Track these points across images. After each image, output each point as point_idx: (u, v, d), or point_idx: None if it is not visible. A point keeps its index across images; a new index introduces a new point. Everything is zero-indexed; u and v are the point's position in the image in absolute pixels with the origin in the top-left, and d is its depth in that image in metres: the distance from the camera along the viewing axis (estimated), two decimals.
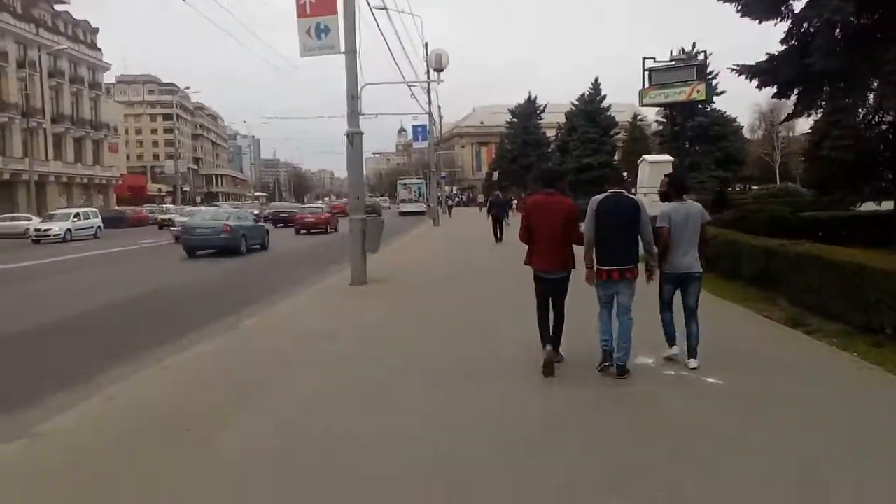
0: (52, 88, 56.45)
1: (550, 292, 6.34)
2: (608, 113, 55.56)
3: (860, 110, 10.52)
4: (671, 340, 6.47)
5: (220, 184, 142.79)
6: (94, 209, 40.00)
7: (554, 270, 6.26)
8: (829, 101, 11.39)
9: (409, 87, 36.19)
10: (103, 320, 10.38)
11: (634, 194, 8.81)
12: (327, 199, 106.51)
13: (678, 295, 6.40)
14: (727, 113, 47.03)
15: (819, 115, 13.06)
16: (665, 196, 6.50)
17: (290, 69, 33.56)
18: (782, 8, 11.98)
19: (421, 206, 55.74)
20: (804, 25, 11.79)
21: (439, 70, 14.00)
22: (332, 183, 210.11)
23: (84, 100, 61.51)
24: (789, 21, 12.10)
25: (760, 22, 12.30)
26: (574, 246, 6.25)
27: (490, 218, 24.14)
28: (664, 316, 6.45)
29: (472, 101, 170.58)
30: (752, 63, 12.74)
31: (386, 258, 16.34)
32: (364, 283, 12.61)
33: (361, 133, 12.82)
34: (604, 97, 55.22)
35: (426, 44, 36.87)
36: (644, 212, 6.02)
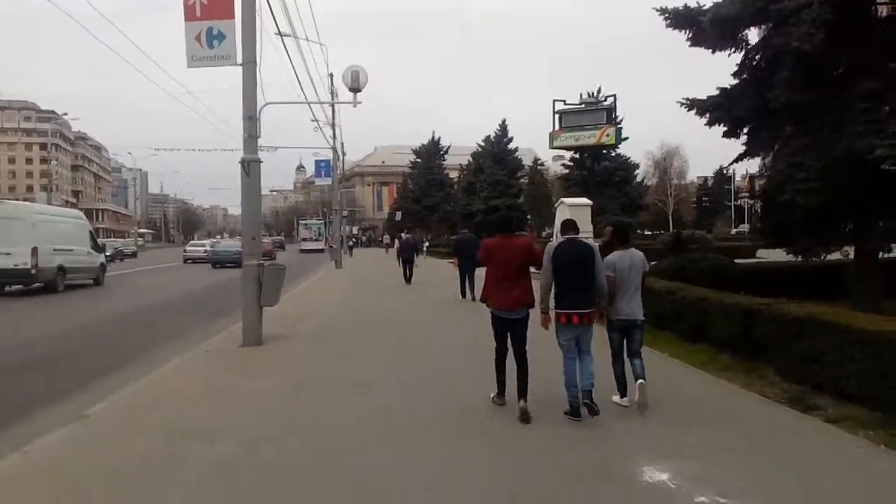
0: None
1: (509, 334, 6.28)
2: (515, 155, 55.39)
3: (830, 150, 9.31)
4: (623, 391, 6.50)
5: (101, 219, 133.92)
6: None
7: (513, 309, 6.19)
8: (792, 139, 10.27)
9: (314, 118, 34.13)
10: None
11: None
12: (219, 236, 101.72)
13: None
14: (630, 158, 47.71)
15: (769, 158, 12.04)
16: (608, 245, 6.74)
17: (182, 94, 30.69)
18: (738, 37, 10.97)
19: (321, 245, 63.02)
20: (759, 56, 10.82)
21: (356, 90, 11.96)
22: (226, 220, 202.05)
23: None
24: (742, 52, 11.13)
25: (714, 52, 11.23)
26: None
27: (400, 260, 23.47)
28: (616, 367, 6.53)
29: (372, 141, 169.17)
30: (704, 97, 11.62)
31: (286, 307, 13.90)
32: (259, 342, 10.28)
33: (259, 161, 10.61)
34: (511, 139, 55.12)
35: (331, 74, 35.07)
36: (598, 256, 6.13)
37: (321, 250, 59.00)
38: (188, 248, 47.54)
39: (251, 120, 10.47)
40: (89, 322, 14.32)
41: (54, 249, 20.37)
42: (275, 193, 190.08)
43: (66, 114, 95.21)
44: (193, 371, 8.70)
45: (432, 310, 15.79)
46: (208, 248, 42.88)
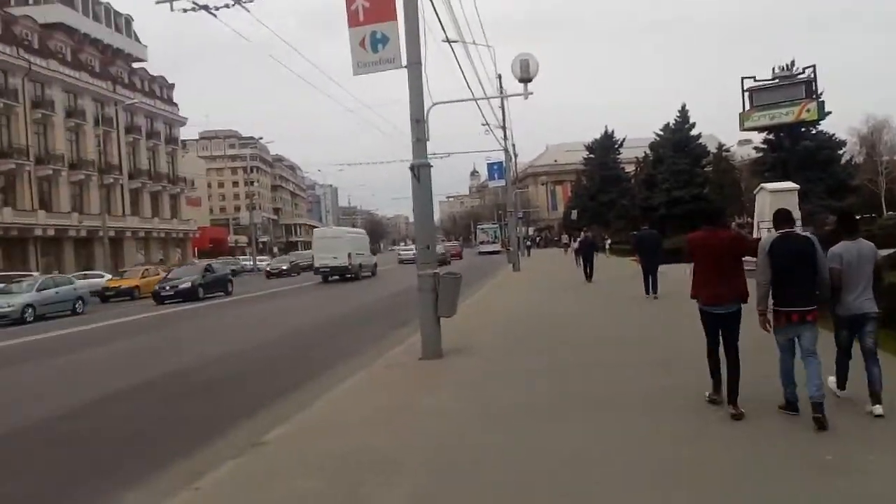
0: (129, 144, 57.17)
1: (721, 330, 5.97)
2: (699, 142, 51.58)
3: None
4: (843, 384, 6.08)
5: (298, 233, 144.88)
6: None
7: (725, 303, 5.89)
8: None
9: (484, 122, 33.84)
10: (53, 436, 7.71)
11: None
12: (402, 243, 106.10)
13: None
14: (835, 135, 42.33)
15: None
16: (833, 235, 6.33)
17: (361, 109, 31.84)
18: None
19: (497, 247, 68.46)
20: None
21: (526, 80, 11.20)
22: (408, 228, 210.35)
23: (160, 154, 62.22)
24: None
25: None
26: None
27: (580, 258, 24.70)
28: (842, 363, 6.01)
29: (542, 141, 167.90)
30: None
31: (466, 315, 13.38)
32: (439, 355, 9.77)
33: (429, 165, 10.13)
34: (692, 125, 51.35)
35: (500, 75, 34.60)
36: (819, 249, 5.71)
37: (498, 252, 64.65)
38: (401, 251, 61.34)
39: (419, 123, 10.02)
40: (305, 325, 15.13)
41: (357, 254, 35.69)
42: (451, 199, 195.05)
43: (261, 138, 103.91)
44: (372, 388, 8.33)
45: (618, 310, 14.75)
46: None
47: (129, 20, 63.23)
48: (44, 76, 46.95)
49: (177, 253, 63.77)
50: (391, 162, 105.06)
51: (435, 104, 11.25)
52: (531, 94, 12.06)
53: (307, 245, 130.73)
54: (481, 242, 76.39)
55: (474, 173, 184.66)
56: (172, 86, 65.78)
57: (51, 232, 45.80)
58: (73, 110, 49.94)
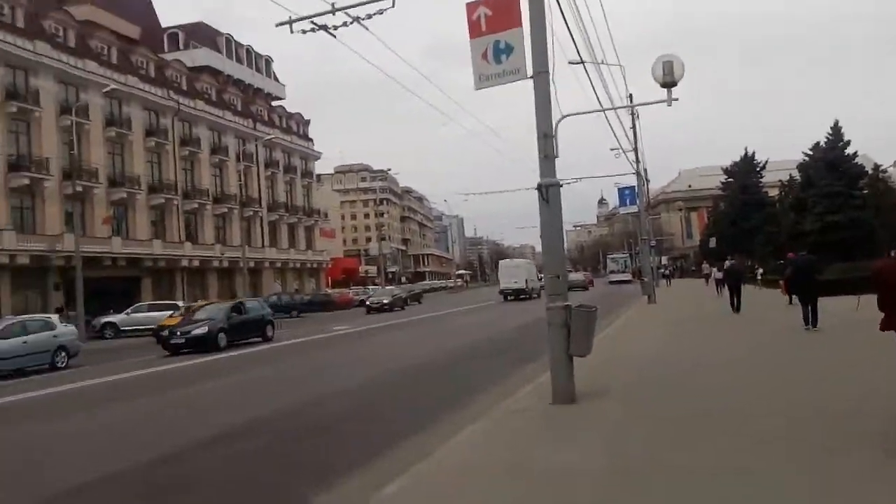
0: (268, 178, 60.04)
1: None
2: (855, 161, 46.90)
3: None
4: None
5: (426, 263, 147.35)
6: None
7: None
8: None
9: (616, 147, 32.22)
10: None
11: None
12: None
13: None
14: None
15: None
16: None
17: (483, 132, 31.20)
18: None
19: (627, 276, 68.95)
20: None
21: (670, 84, 9.85)
22: (534, 257, 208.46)
23: (297, 188, 64.92)
24: None
25: None
26: None
27: (723, 288, 23.93)
28: None
29: (672, 167, 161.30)
30: None
31: (599, 353, 12.00)
32: (572, 399, 8.57)
33: (558, 184, 9.04)
34: (847, 142, 46.77)
35: (630, 94, 32.93)
36: None
37: (628, 281, 64.90)
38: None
39: (546, 138, 8.98)
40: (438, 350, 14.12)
41: (529, 279, 46.83)
42: (578, 228, 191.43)
43: (389, 169, 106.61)
44: (495, 440, 7.21)
45: (777, 345, 13.02)
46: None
47: (268, 61, 66.95)
48: (191, 115, 50.32)
49: (311, 282, 65.95)
50: (516, 190, 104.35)
51: (564, 117, 10.18)
52: (676, 99, 10.68)
53: (435, 275, 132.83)
54: (611, 272, 76.52)
55: (602, 202, 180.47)
56: (308, 122, 68.75)
57: (196, 263, 48.55)
58: (216, 147, 53.15)
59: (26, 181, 36.15)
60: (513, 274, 47.05)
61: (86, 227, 38.99)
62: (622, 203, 41.52)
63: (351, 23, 11.10)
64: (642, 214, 40.67)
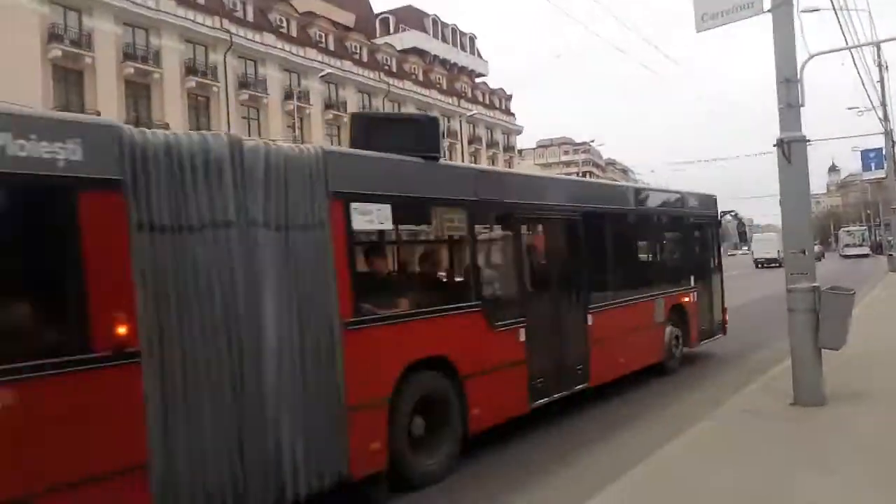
0: (471, 154, 60.69)
1: None
2: None
3: None
4: None
5: None
6: None
7: None
8: None
9: (858, 101, 27.87)
10: None
11: None
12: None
13: None
14: None
15: None
16: None
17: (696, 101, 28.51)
18: None
19: (865, 250, 66.65)
20: None
21: None
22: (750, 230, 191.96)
23: (499, 162, 64.95)
24: None
25: None
26: None
27: None
28: None
29: None
30: None
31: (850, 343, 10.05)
32: (820, 402, 7.06)
33: (805, 140, 7.42)
34: None
35: (878, 44, 28.16)
36: None
37: (866, 255, 63.74)
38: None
39: (789, 84, 7.39)
40: None
41: (780, 251, 42.08)
42: None
43: (593, 140, 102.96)
44: (728, 452, 5.88)
45: None
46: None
47: (472, 38, 67.39)
48: (400, 96, 52.06)
49: None
50: (725, 159, 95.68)
51: (812, 56, 8.43)
52: None
53: None
54: (845, 245, 72.48)
55: (833, 169, 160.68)
56: (510, 97, 68.40)
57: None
58: None
59: None
60: (766, 246, 52.01)
61: None
62: (866, 167, 36.24)
63: None
64: (891, 180, 35.09)
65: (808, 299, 7.14)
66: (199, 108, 37.32)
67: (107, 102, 31.75)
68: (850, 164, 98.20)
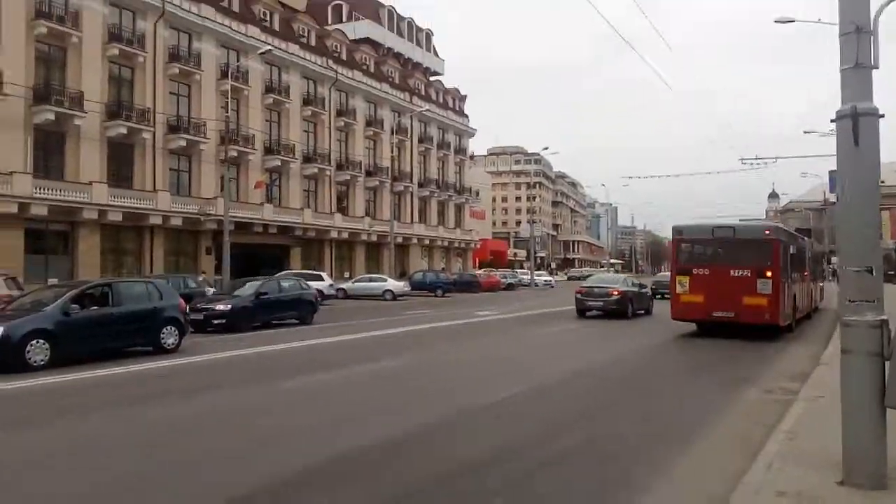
0: (421, 154, 58.38)
1: None
2: None
3: None
4: None
5: (576, 250, 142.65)
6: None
7: None
8: None
9: None
10: None
11: None
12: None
13: None
14: None
15: None
16: None
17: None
18: None
19: None
20: None
21: None
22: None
23: (450, 164, 62.92)
24: None
25: None
26: None
27: None
28: None
29: None
30: None
31: None
32: (881, 483, 4.93)
33: (877, 113, 5.29)
34: None
35: None
36: None
37: None
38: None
39: (859, 34, 5.25)
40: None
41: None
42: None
43: (546, 148, 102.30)
44: None
45: None
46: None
47: (429, 34, 65.16)
48: (349, 86, 49.31)
49: (458, 262, 63.93)
50: (678, 175, 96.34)
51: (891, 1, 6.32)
52: None
53: (584, 263, 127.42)
54: None
55: None
56: (465, 98, 66.42)
57: (345, 235, 47.71)
58: (372, 119, 51.95)
59: (183, 143, 36.21)
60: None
61: (239, 193, 38.91)
62: None
63: None
64: None
65: (873, 338, 4.99)
66: (121, 79, 33.87)
67: (16, 66, 28.21)
68: None
